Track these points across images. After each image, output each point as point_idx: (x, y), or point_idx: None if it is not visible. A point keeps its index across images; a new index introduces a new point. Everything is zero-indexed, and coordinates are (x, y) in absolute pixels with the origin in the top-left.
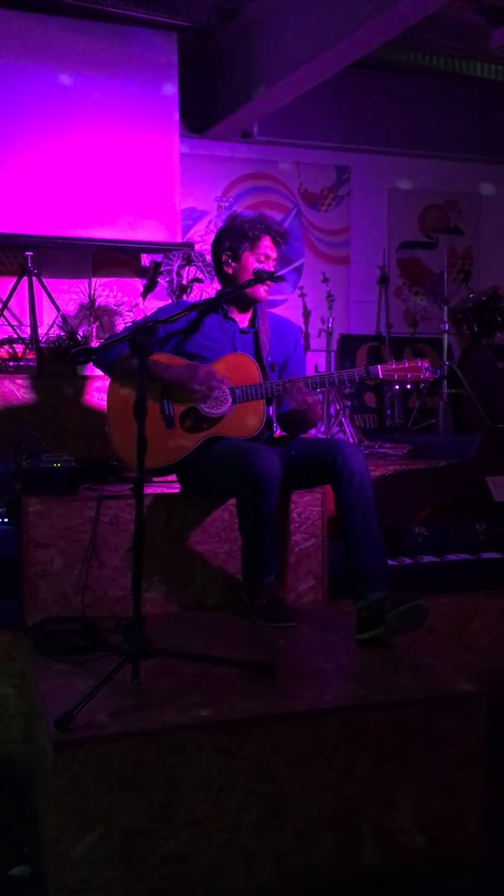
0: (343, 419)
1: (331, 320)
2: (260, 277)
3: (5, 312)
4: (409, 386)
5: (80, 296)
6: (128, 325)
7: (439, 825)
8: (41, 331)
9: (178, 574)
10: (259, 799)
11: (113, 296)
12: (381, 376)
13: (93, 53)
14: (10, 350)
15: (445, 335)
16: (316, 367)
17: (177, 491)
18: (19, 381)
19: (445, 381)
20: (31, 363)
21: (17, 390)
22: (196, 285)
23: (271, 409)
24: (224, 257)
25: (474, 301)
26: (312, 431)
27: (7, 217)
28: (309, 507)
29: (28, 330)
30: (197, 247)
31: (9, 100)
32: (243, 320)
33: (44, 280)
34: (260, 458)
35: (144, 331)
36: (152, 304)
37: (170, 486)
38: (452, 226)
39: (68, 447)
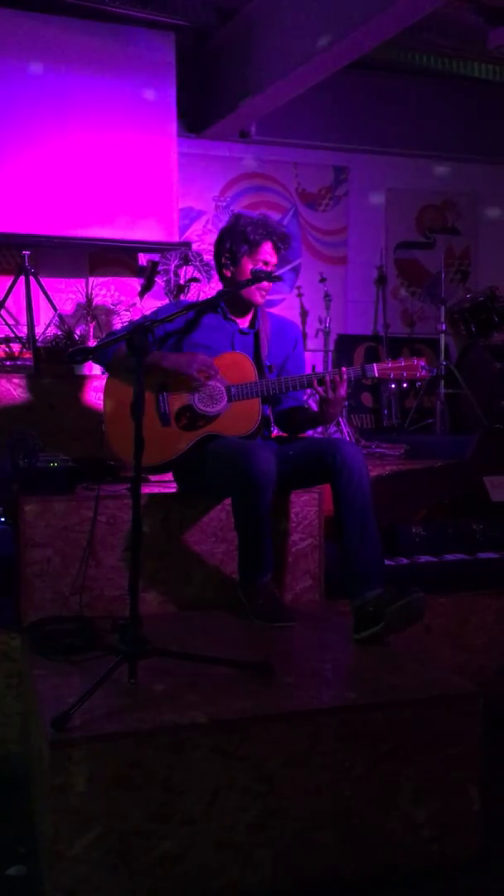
0: (340, 419)
1: (328, 320)
2: (257, 277)
3: (2, 312)
4: (405, 384)
5: (78, 295)
6: (125, 323)
7: (437, 824)
8: (38, 330)
9: (176, 574)
10: (256, 799)
11: (110, 295)
12: (377, 375)
13: (91, 53)
14: (7, 349)
15: (442, 335)
16: (314, 367)
17: (174, 490)
18: (16, 381)
19: (443, 381)
20: (27, 362)
21: (14, 390)
22: (193, 285)
23: (267, 407)
24: (223, 260)
25: (471, 301)
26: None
27: (4, 216)
28: (306, 507)
29: (25, 329)
30: (194, 246)
31: (6, 98)
32: (244, 322)
33: (41, 279)
34: (255, 456)
35: (142, 330)
36: (149, 304)
37: (167, 485)
38: (450, 226)
39: (65, 447)
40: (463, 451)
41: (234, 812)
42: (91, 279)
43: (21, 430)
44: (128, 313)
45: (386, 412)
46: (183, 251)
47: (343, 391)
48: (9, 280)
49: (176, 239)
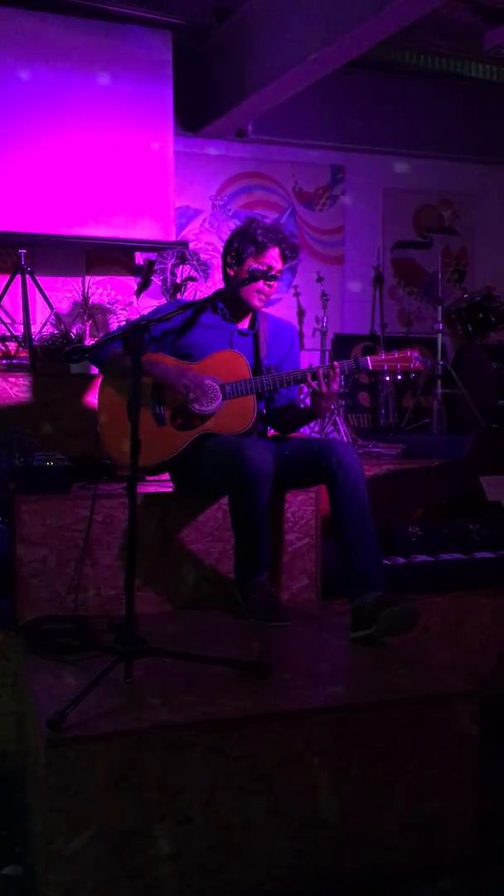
0: (337, 418)
1: (325, 320)
2: (254, 276)
3: None
4: (399, 377)
5: (74, 294)
6: (122, 323)
7: (432, 825)
8: (34, 329)
9: (172, 573)
10: (252, 798)
11: (107, 294)
12: (370, 367)
13: (87, 51)
14: (4, 348)
15: (439, 335)
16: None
17: (170, 490)
18: (12, 380)
19: (439, 381)
20: (24, 361)
21: (10, 388)
22: (190, 284)
23: (262, 405)
24: (229, 259)
25: (468, 301)
26: (306, 430)
27: (0, 215)
28: (303, 507)
29: (21, 328)
30: (191, 245)
31: (2, 97)
32: (243, 322)
33: (37, 278)
34: (251, 453)
35: (138, 329)
36: (146, 303)
37: (163, 485)
38: (446, 226)
39: (61, 445)
40: (459, 451)
41: (230, 812)
42: (87, 278)
43: (17, 428)
44: (124, 312)
45: (383, 412)
46: (180, 250)
47: (336, 386)
48: (5, 279)
49: (173, 238)
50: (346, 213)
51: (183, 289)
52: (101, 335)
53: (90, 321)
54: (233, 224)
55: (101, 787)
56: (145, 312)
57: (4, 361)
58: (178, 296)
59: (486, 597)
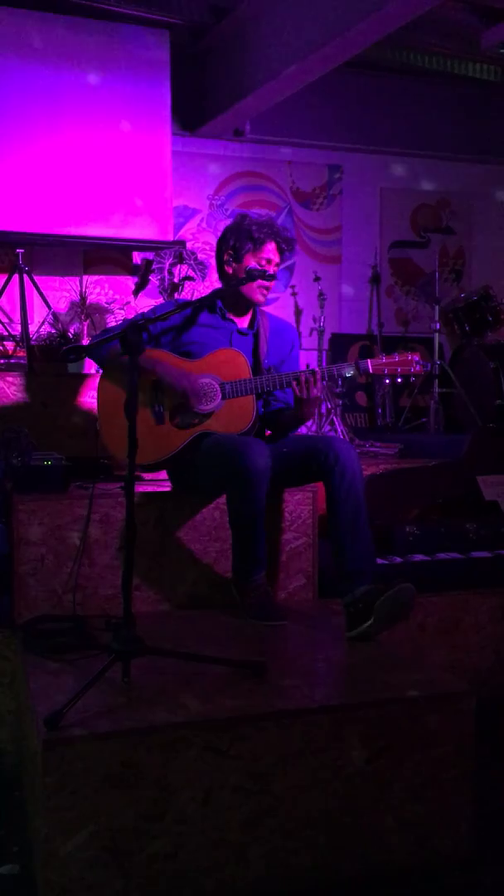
0: (334, 418)
1: (322, 319)
2: (251, 276)
3: None
4: (399, 380)
5: (72, 293)
6: (119, 321)
7: (429, 824)
8: (32, 328)
9: (169, 572)
10: (249, 797)
11: (104, 293)
12: (371, 371)
13: (84, 50)
14: (1, 348)
15: (436, 334)
16: (307, 366)
17: (168, 489)
18: (10, 379)
19: (437, 381)
20: (21, 361)
21: (8, 388)
22: (187, 283)
23: (260, 404)
24: (226, 256)
25: (465, 300)
26: (303, 430)
27: None
28: (300, 506)
29: (19, 327)
30: (189, 245)
31: None
32: (243, 321)
33: (35, 277)
34: (249, 452)
35: (136, 328)
36: (144, 302)
37: (161, 484)
38: (444, 225)
39: (59, 445)
40: (457, 451)
41: (227, 811)
42: (85, 277)
43: (14, 428)
44: (122, 312)
45: (380, 411)
46: (177, 250)
47: (316, 391)
48: (3, 278)
49: (170, 237)
50: (343, 213)
51: (180, 288)
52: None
53: (88, 321)
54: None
55: (98, 786)
56: (145, 311)
57: (2, 361)
58: (176, 295)
59: (483, 596)
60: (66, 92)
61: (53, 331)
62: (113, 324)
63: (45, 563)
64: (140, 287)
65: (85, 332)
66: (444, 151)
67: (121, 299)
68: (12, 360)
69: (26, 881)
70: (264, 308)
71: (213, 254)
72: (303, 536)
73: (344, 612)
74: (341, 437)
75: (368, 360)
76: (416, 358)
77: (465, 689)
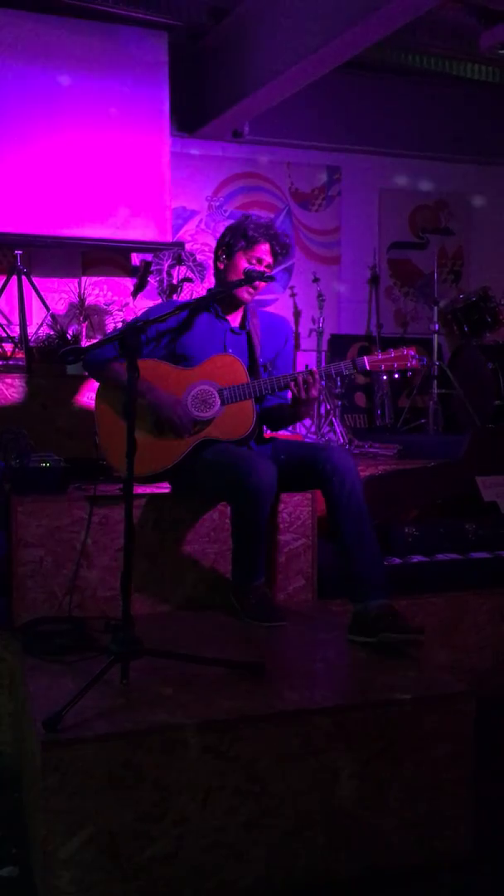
0: (333, 419)
1: (321, 320)
2: (250, 277)
3: None
4: (396, 375)
5: (70, 295)
6: (118, 325)
7: (427, 824)
8: (30, 330)
9: (168, 574)
10: (248, 799)
11: (103, 295)
12: (368, 367)
13: (83, 52)
14: (0, 349)
15: (435, 335)
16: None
17: (167, 491)
18: (8, 381)
19: (435, 381)
20: (20, 362)
21: (6, 389)
22: (186, 285)
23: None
24: (220, 251)
25: (464, 301)
26: (302, 431)
27: None
28: (299, 508)
29: (17, 329)
30: (187, 246)
31: None
32: (234, 320)
33: (33, 279)
34: (257, 469)
35: (134, 330)
36: (142, 304)
37: (160, 486)
38: (443, 226)
39: (57, 446)
40: (456, 451)
41: (225, 812)
42: (84, 279)
43: (13, 429)
44: (121, 313)
45: (379, 412)
46: (176, 251)
47: (314, 392)
48: (1, 279)
49: (169, 239)
50: (342, 214)
51: (179, 290)
52: (98, 337)
53: (86, 322)
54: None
55: (97, 787)
56: (138, 315)
57: (1, 363)
58: (175, 296)
59: (482, 597)
60: (65, 93)
61: (52, 332)
62: (111, 326)
63: (44, 565)
64: (139, 288)
65: (83, 333)
66: (443, 152)
67: (119, 301)
68: (11, 362)
69: (25, 883)
70: (254, 306)
71: (212, 255)
72: (302, 538)
73: (352, 615)
74: (340, 438)
75: (365, 357)
76: (412, 352)
77: (464, 689)
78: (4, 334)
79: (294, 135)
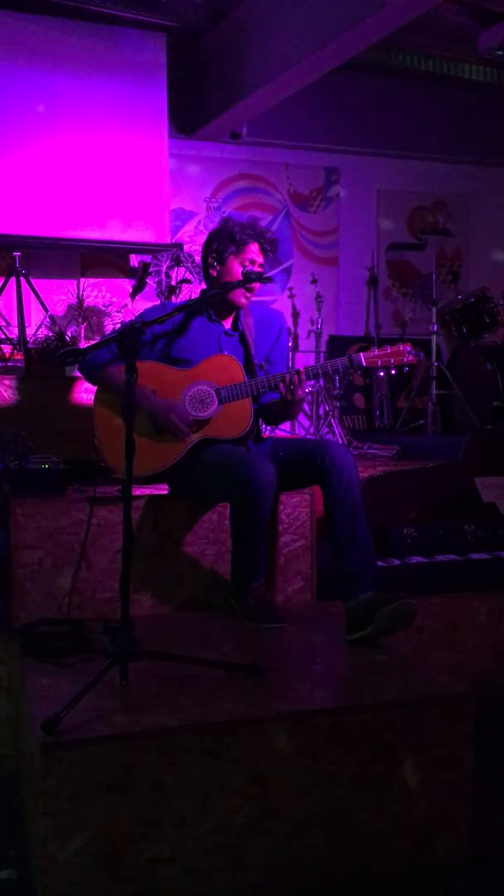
0: (332, 420)
1: (320, 321)
2: (248, 278)
3: None
4: (394, 371)
5: (69, 296)
6: (117, 326)
7: (428, 826)
8: (29, 331)
9: (167, 575)
10: (247, 801)
11: (101, 296)
12: (364, 364)
13: (81, 53)
14: None
15: (434, 336)
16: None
17: (165, 492)
18: (7, 382)
19: (434, 382)
20: (18, 364)
21: (5, 391)
22: (185, 286)
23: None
24: (210, 259)
25: (462, 302)
26: (301, 432)
27: None
28: (298, 509)
29: (16, 330)
30: (186, 247)
31: None
32: (228, 322)
33: (32, 280)
34: (256, 469)
35: (132, 332)
36: (141, 305)
37: (158, 487)
38: (441, 227)
39: (56, 448)
40: (454, 452)
41: (225, 814)
42: (82, 280)
43: (12, 431)
44: (119, 314)
45: (378, 413)
46: (174, 252)
47: (301, 392)
48: (0, 281)
49: (167, 240)
50: (340, 215)
51: (178, 291)
52: (97, 338)
53: (85, 323)
54: None
55: (96, 790)
56: (133, 318)
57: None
58: (174, 298)
59: (481, 598)
60: (64, 95)
61: (51, 334)
62: (110, 327)
63: (43, 567)
64: (137, 290)
65: (82, 334)
66: (441, 153)
67: (118, 302)
68: (9, 364)
69: (24, 886)
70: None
71: (201, 263)
72: (301, 539)
73: (345, 615)
74: (339, 439)
75: (361, 354)
76: (409, 348)
77: (463, 691)
78: (3, 336)
79: (292, 136)
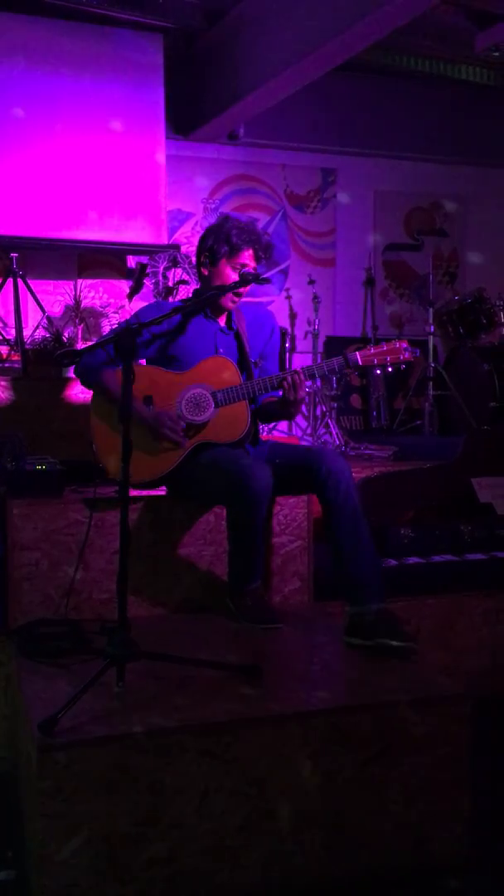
0: (329, 421)
1: (317, 322)
2: (245, 279)
3: None
4: (390, 369)
5: (66, 297)
6: (114, 327)
7: (425, 826)
8: (26, 332)
9: (164, 576)
10: (245, 801)
11: (98, 297)
12: (360, 363)
13: (78, 55)
14: None
15: (431, 337)
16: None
17: (163, 493)
18: (3, 383)
19: (431, 383)
20: (15, 365)
21: (2, 392)
22: (182, 287)
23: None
24: (203, 258)
25: (459, 303)
26: (298, 433)
27: None
28: (295, 510)
29: (13, 331)
30: (183, 248)
31: None
32: (221, 320)
33: (29, 281)
34: (253, 473)
35: (129, 332)
36: (138, 306)
37: (156, 488)
38: (437, 228)
39: (53, 449)
40: (451, 453)
41: (222, 815)
42: (79, 281)
43: (8, 432)
44: (116, 315)
45: (375, 413)
46: (172, 253)
47: (301, 393)
48: None
49: (164, 241)
50: (337, 216)
51: (175, 292)
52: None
53: (82, 324)
54: None
55: (93, 791)
56: (128, 318)
57: None
58: (171, 299)
59: (478, 598)
60: (61, 96)
61: (48, 335)
62: (108, 328)
63: (40, 568)
64: (134, 291)
65: (79, 335)
66: (438, 154)
67: (115, 303)
68: (6, 365)
69: (22, 887)
70: (239, 304)
71: (195, 258)
72: (298, 540)
73: (347, 617)
74: (336, 440)
75: (357, 353)
76: (405, 345)
77: (460, 692)
78: (0, 337)
79: (289, 137)
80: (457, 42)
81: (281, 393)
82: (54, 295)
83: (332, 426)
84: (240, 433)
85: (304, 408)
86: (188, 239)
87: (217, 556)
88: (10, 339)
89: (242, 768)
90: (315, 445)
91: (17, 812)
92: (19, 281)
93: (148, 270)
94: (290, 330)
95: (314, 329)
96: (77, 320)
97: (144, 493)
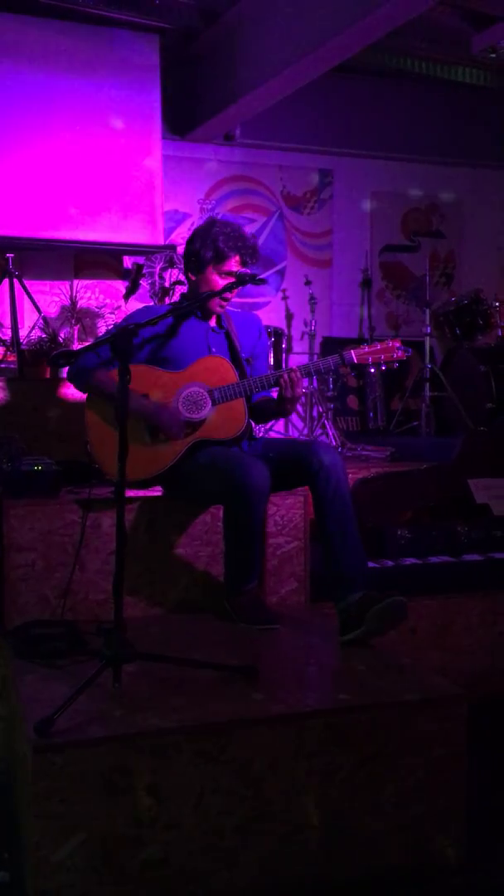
0: (326, 421)
1: (313, 323)
2: (241, 280)
3: None
4: (384, 367)
5: (62, 298)
6: (110, 327)
7: (422, 827)
8: (22, 333)
9: (160, 577)
10: (241, 802)
11: (95, 298)
12: (355, 361)
13: (74, 55)
14: None
15: (427, 338)
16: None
17: (159, 494)
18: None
19: (428, 384)
20: (11, 365)
21: None
22: (178, 287)
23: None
24: (189, 262)
25: (456, 304)
26: (294, 434)
27: None
28: (291, 510)
29: (9, 332)
30: (179, 249)
31: None
32: (212, 320)
33: (25, 282)
34: (251, 471)
35: (125, 334)
36: (134, 307)
37: (152, 489)
38: (434, 229)
39: (49, 449)
40: (448, 454)
41: (219, 816)
42: (76, 281)
43: (4, 432)
44: (112, 316)
45: (371, 415)
46: (168, 254)
47: (298, 390)
48: None
49: (161, 241)
50: (334, 217)
51: (171, 292)
52: (90, 340)
53: (78, 325)
54: None
55: (89, 792)
56: (118, 321)
57: None
58: (167, 299)
59: (475, 599)
60: (57, 96)
61: (44, 335)
62: (103, 329)
63: (36, 569)
64: (130, 291)
65: (75, 336)
66: (435, 156)
67: (111, 303)
68: (2, 365)
69: (17, 889)
70: (228, 307)
71: (182, 261)
72: (294, 540)
73: (337, 616)
74: (333, 441)
75: (352, 351)
76: (398, 344)
77: (457, 692)
78: None
79: (286, 138)
80: (453, 43)
81: (274, 392)
82: (50, 295)
83: (328, 427)
84: (237, 431)
85: (300, 408)
86: (184, 239)
87: (213, 556)
88: (5, 340)
89: (239, 769)
90: (308, 438)
91: (13, 813)
92: (15, 281)
93: (144, 271)
94: (286, 331)
95: (311, 330)
96: (73, 321)
97: (141, 493)
